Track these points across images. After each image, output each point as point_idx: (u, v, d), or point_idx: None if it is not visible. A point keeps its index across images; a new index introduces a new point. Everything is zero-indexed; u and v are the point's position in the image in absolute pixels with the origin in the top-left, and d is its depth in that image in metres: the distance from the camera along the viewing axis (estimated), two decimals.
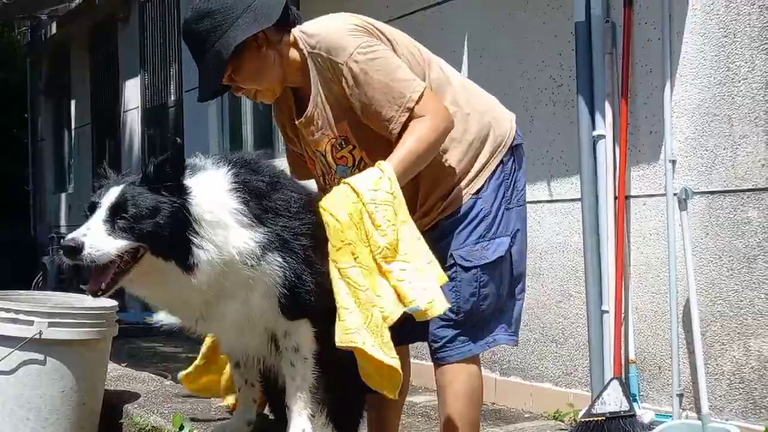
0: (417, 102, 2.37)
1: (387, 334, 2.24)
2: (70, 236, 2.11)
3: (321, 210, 2.28)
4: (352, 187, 2.30)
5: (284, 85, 2.54)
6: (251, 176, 2.28)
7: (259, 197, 2.24)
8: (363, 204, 2.27)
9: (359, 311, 2.20)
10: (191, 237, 2.12)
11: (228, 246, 2.16)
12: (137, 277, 2.20)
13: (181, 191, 2.16)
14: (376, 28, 2.48)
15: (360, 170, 2.50)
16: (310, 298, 2.26)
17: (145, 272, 2.18)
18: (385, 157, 2.38)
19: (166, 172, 2.17)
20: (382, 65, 2.39)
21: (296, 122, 2.55)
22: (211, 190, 2.20)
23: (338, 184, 2.49)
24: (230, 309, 2.25)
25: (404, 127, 2.39)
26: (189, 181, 2.20)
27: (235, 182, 2.23)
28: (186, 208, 2.13)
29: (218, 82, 2.45)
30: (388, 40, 2.48)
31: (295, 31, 2.49)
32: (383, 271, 2.27)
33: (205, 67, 2.43)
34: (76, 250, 2.07)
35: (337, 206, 2.27)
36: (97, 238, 2.09)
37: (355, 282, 2.21)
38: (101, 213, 2.13)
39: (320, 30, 2.46)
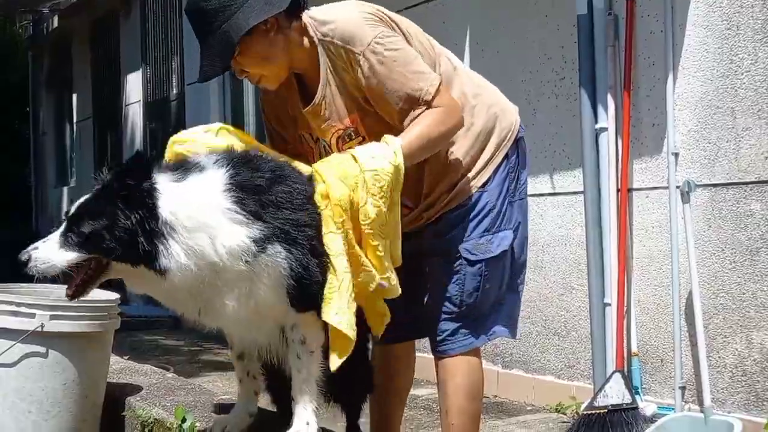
0: (434, 95, 2.36)
1: (353, 304, 2.26)
2: (26, 249, 2.18)
3: (314, 172, 2.30)
4: (352, 156, 2.30)
5: (289, 71, 2.50)
6: (250, 174, 2.25)
7: (257, 194, 2.23)
8: (362, 171, 2.26)
9: (332, 277, 2.23)
10: (156, 243, 2.11)
11: (214, 247, 2.15)
12: (126, 277, 2.24)
13: (143, 200, 2.14)
14: (390, 18, 2.45)
15: None
16: (318, 289, 2.26)
17: (127, 273, 2.21)
18: None
19: (126, 183, 2.17)
20: (399, 56, 2.36)
21: (303, 111, 2.51)
22: (201, 192, 2.19)
23: None
24: (231, 303, 2.24)
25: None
26: (171, 186, 2.18)
27: (230, 183, 2.21)
28: (148, 218, 2.12)
29: (223, 65, 2.39)
30: (401, 30, 2.45)
31: (306, 17, 2.43)
32: (366, 243, 2.28)
33: (210, 48, 2.37)
34: (25, 262, 2.16)
35: (331, 169, 2.28)
36: (47, 251, 2.16)
37: (328, 247, 2.23)
38: (63, 225, 2.20)
39: (334, 17, 2.41)
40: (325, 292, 2.25)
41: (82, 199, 2.23)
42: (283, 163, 2.38)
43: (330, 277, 2.24)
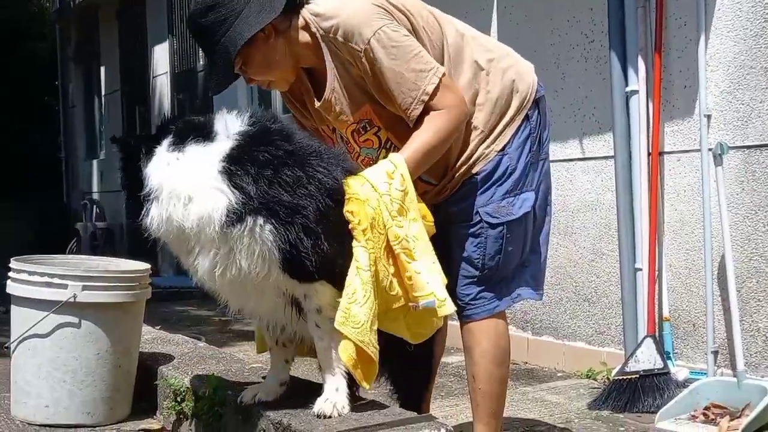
0: (432, 94, 2.35)
1: (376, 323, 2.24)
2: None
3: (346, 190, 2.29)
4: (366, 179, 2.30)
5: (297, 71, 2.49)
6: (255, 149, 2.24)
7: (254, 167, 2.21)
8: (379, 194, 2.27)
9: (361, 289, 2.21)
10: (143, 205, 2.30)
11: (187, 212, 2.20)
12: None
13: (131, 173, 2.34)
14: (392, 4, 2.40)
15: (387, 150, 2.48)
16: (318, 263, 2.24)
17: None
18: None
19: (122, 156, 2.41)
20: (400, 53, 2.33)
21: (316, 107, 2.50)
22: (192, 162, 2.24)
23: (364, 163, 2.50)
24: (205, 264, 2.25)
25: (420, 115, 2.37)
26: (165, 154, 2.26)
27: (228, 154, 2.22)
28: (134, 186, 2.32)
29: (228, 78, 2.41)
30: (406, 15, 2.41)
31: (305, 14, 2.41)
32: (400, 261, 2.27)
33: (214, 62, 2.40)
34: None
35: (357, 189, 2.28)
36: None
37: (356, 259, 2.22)
38: None
39: (335, 12, 2.37)
40: (343, 300, 2.21)
41: None
42: (318, 146, 2.35)
43: (354, 285, 2.21)
